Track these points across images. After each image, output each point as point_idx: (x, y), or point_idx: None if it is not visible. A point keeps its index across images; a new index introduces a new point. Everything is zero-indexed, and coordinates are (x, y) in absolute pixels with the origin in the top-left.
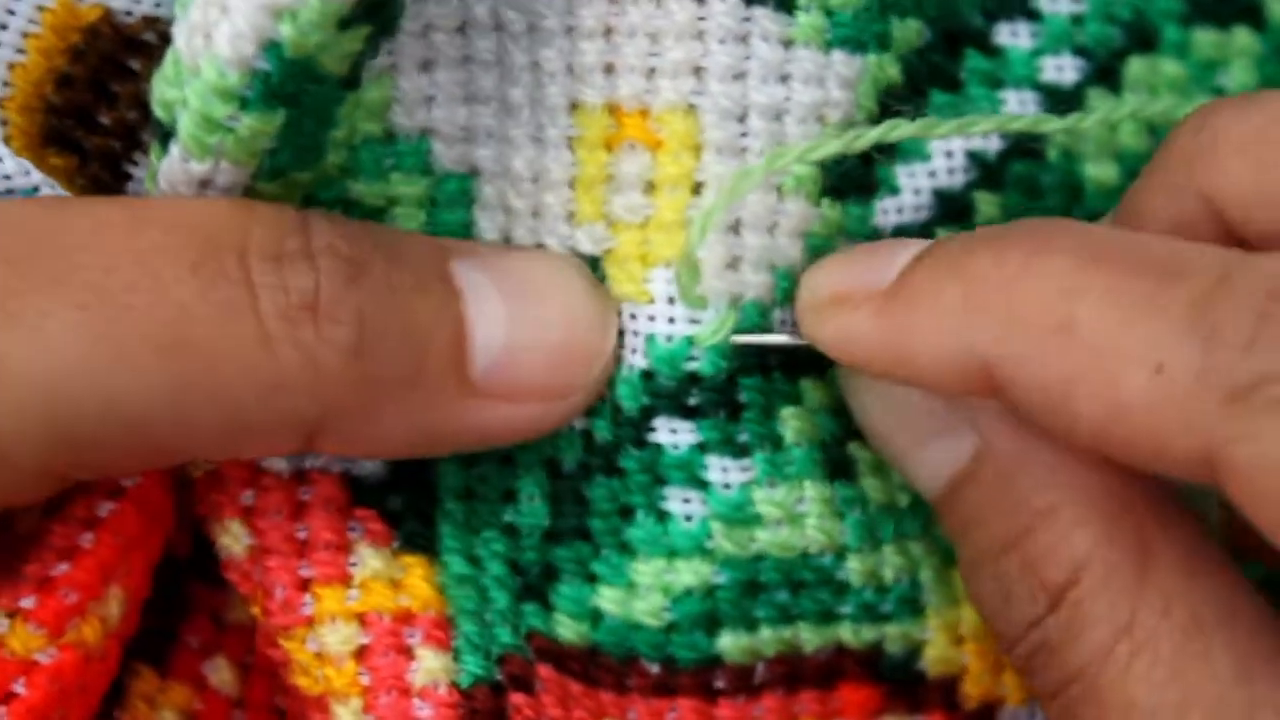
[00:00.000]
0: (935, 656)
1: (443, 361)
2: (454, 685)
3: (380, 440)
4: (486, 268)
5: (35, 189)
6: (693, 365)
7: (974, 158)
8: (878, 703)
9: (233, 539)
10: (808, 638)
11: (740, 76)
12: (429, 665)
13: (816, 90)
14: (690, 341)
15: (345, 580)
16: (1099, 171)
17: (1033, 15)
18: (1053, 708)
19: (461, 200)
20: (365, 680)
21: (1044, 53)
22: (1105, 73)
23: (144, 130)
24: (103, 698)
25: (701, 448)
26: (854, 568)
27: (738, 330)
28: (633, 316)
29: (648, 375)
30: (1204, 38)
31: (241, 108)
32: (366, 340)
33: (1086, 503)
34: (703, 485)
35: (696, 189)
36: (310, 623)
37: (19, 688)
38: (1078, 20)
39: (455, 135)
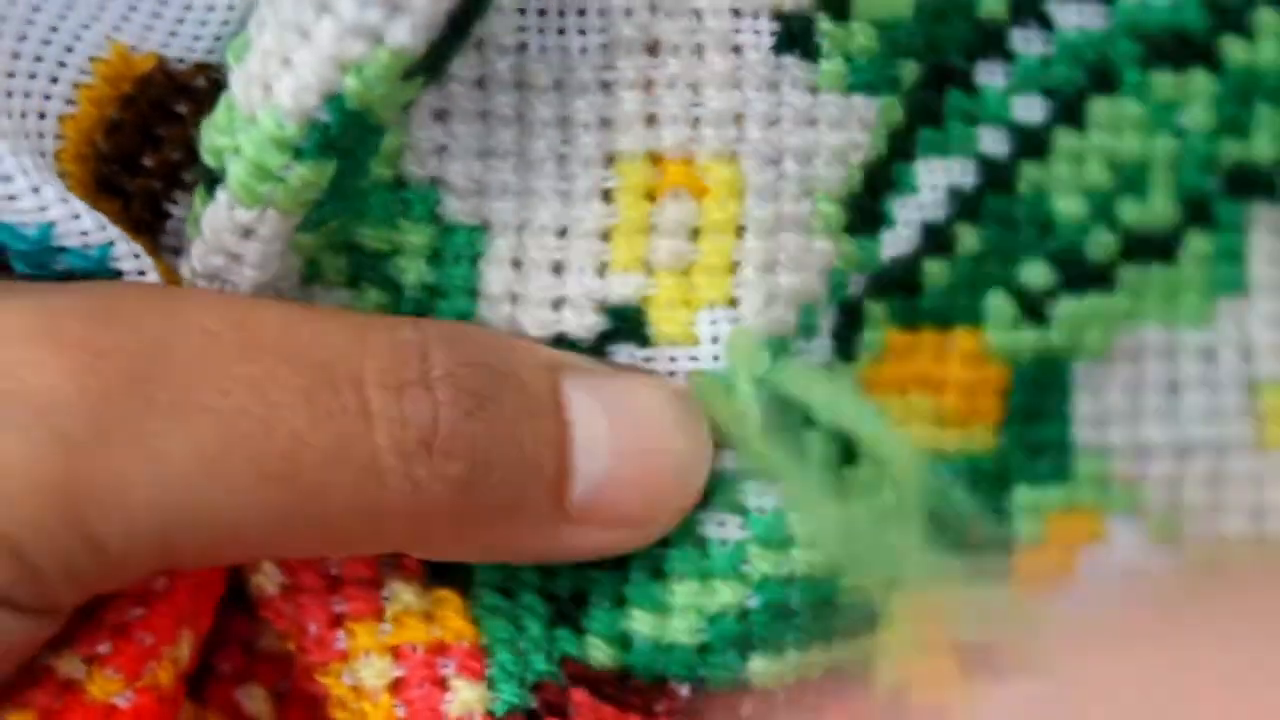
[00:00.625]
0: (884, 671)
1: (544, 492)
2: (489, 714)
3: (465, 555)
4: (596, 391)
5: (111, 244)
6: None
7: (953, 192)
8: None
9: (265, 579)
10: (817, 660)
11: (775, 122)
12: (464, 696)
13: (841, 133)
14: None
15: (378, 614)
16: (1067, 205)
17: (1008, 56)
18: None
19: (468, 254)
20: (401, 713)
21: (1015, 91)
22: (1070, 112)
23: (185, 169)
24: None
25: (738, 473)
26: (844, 585)
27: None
28: (672, 359)
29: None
30: (1162, 79)
31: (296, 158)
32: (478, 476)
33: None
34: (741, 510)
35: (739, 232)
36: (345, 658)
37: None
38: (1046, 62)
39: (468, 189)
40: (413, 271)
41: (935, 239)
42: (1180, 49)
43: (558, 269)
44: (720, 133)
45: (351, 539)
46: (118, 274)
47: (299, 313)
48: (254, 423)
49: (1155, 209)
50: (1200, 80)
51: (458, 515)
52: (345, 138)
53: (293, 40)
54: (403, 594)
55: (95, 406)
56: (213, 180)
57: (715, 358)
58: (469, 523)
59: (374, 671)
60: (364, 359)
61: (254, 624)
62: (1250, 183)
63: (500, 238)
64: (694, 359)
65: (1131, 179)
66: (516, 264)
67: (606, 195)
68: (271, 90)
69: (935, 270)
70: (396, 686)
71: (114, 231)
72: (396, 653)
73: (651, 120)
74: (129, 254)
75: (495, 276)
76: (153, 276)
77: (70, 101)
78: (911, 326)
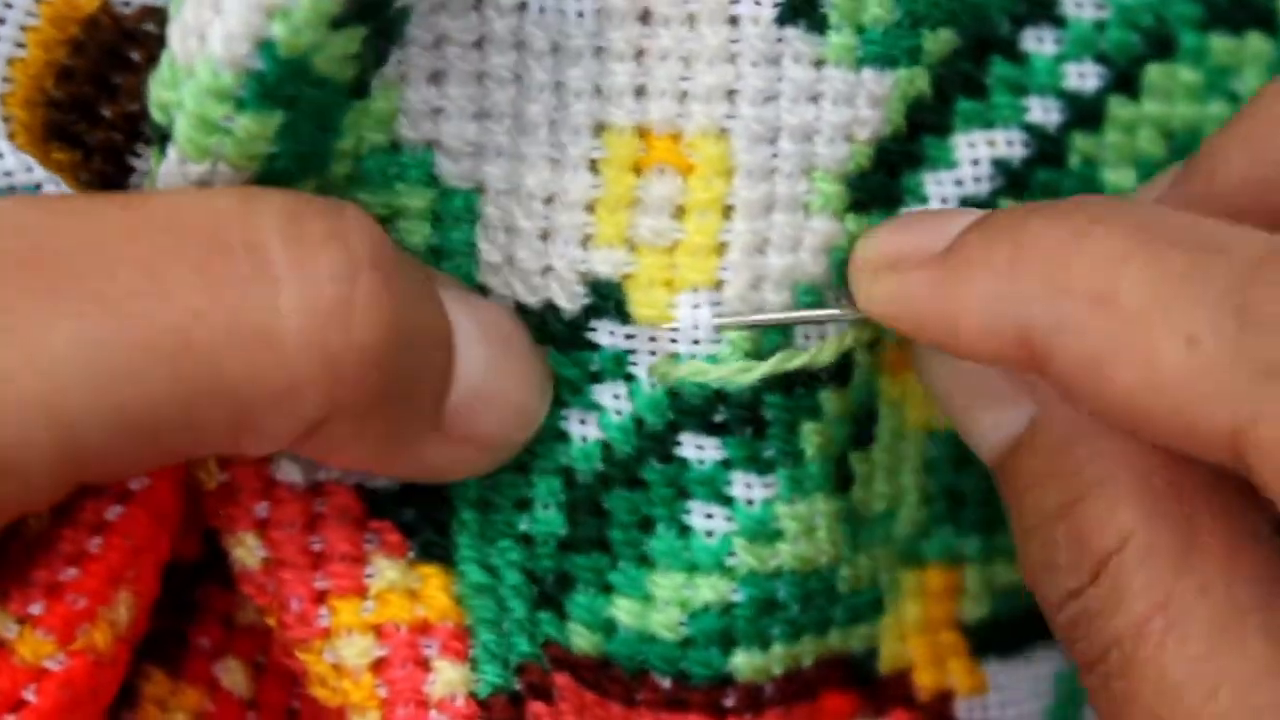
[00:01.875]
0: (886, 654)
1: (433, 386)
2: (472, 696)
3: (350, 456)
4: (467, 307)
5: (38, 186)
6: (719, 383)
7: (999, 165)
8: (853, 707)
9: (247, 552)
10: (809, 650)
11: (772, 99)
12: (446, 677)
13: (846, 109)
14: (714, 361)
15: (361, 592)
16: (1118, 178)
17: (1058, 21)
18: (1089, 679)
19: (466, 217)
20: (383, 693)
21: (1067, 59)
22: (1125, 80)
23: (146, 122)
24: (115, 702)
25: (727, 464)
26: (844, 575)
27: (762, 352)
28: (652, 339)
29: (673, 394)
30: (1220, 43)
31: (237, 109)
32: (390, 351)
33: (1136, 479)
34: (727, 501)
35: (727, 213)
36: (327, 635)
37: (29, 695)
38: (1100, 26)
39: (462, 150)
40: (418, 234)
41: None
42: (1239, 10)
43: (544, 236)
44: (709, 109)
45: (268, 418)
46: None
47: (188, 190)
48: (144, 301)
49: None
50: (1256, 43)
51: (371, 393)
52: (285, 87)
53: None
54: (387, 571)
55: None
56: (164, 137)
57: (695, 341)
58: (373, 408)
59: (356, 650)
60: (261, 216)
61: (232, 597)
62: None
63: (491, 204)
64: (674, 340)
65: (1182, 147)
66: (509, 230)
67: (593, 166)
68: (205, 39)
69: None
70: (378, 666)
71: (41, 174)
72: (379, 631)
73: (641, 92)
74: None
75: (489, 244)
76: None
77: (19, 45)
78: None
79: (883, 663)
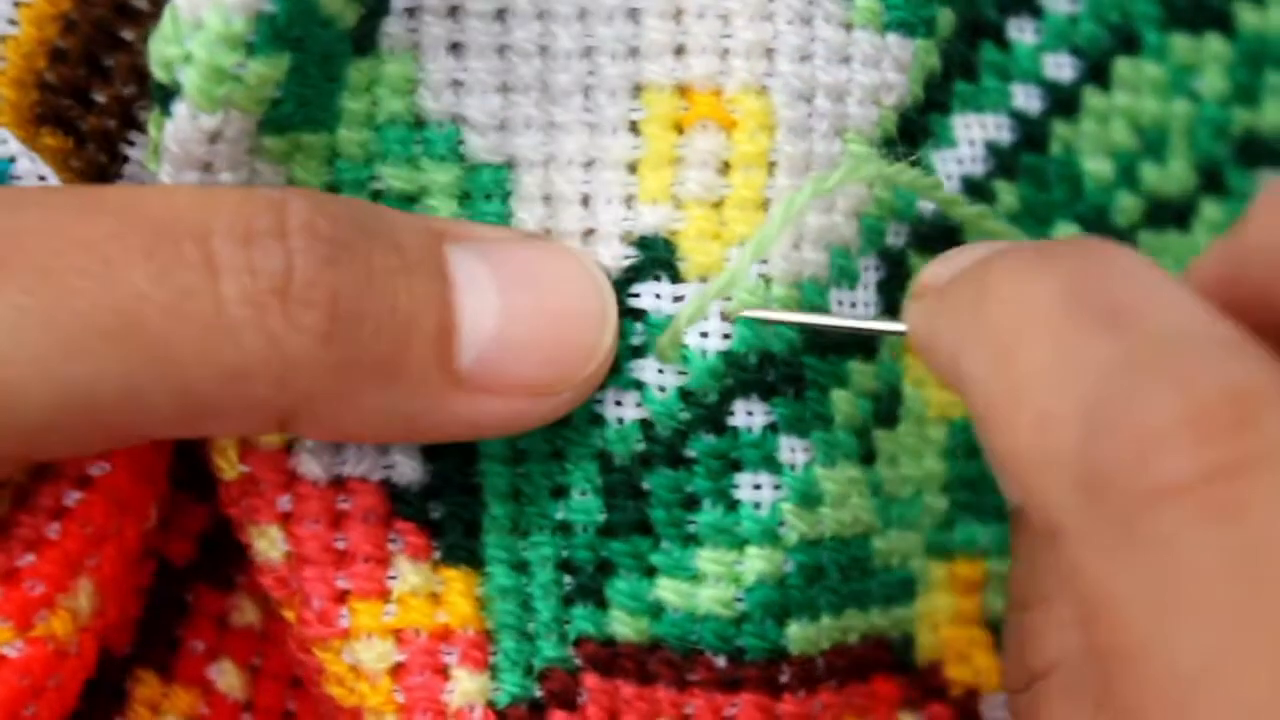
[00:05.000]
0: (921, 643)
1: (426, 351)
2: (490, 706)
3: (357, 428)
4: (484, 255)
5: (12, 159)
6: (767, 341)
7: (991, 148)
8: (899, 694)
9: (270, 544)
10: (854, 624)
11: (808, 58)
12: (465, 687)
13: (874, 72)
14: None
15: (383, 595)
16: (1095, 166)
17: (1037, 12)
18: None
19: (498, 192)
20: (400, 699)
21: (1045, 49)
22: (1097, 71)
23: (139, 107)
24: (105, 705)
25: (773, 428)
26: (877, 548)
27: (802, 305)
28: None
29: (729, 354)
30: (1180, 42)
31: (249, 54)
32: (340, 325)
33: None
34: (776, 467)
35: (771, 168)
36: (346, 636)
37: None
38: (1073, 20)
39: (489, 125)
40: (445, 211)
41: (977, 195)
42: (1197, 12)
43: (585, 201)
44: (750, 65)
45: (219, 402)
46: None
47: (148, 186)
48: (90, 280)
49: (1174, 174)
50: (1215, 44)
51: (329, 372)
52: (294, 28)
53: None
54: (409, 575)
55: None
56: (166, 98)
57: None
58: (344, 381)
59: (375, 654)
60: (211, 214)
61: (226, 599)
62: (1259, 151)
63: (527, 174)
64: (726, 298)
65: (1152, 142)
66: (547, 199)
67: (633, 126)
68: None
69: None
70: (397, 671)
71: (17, 147)
72: (399, 637)
73: (680, 51)
74: (32, 173)
75: (528, 213)
76: None
77: (12, 22)
78: None
79: (919, 652)
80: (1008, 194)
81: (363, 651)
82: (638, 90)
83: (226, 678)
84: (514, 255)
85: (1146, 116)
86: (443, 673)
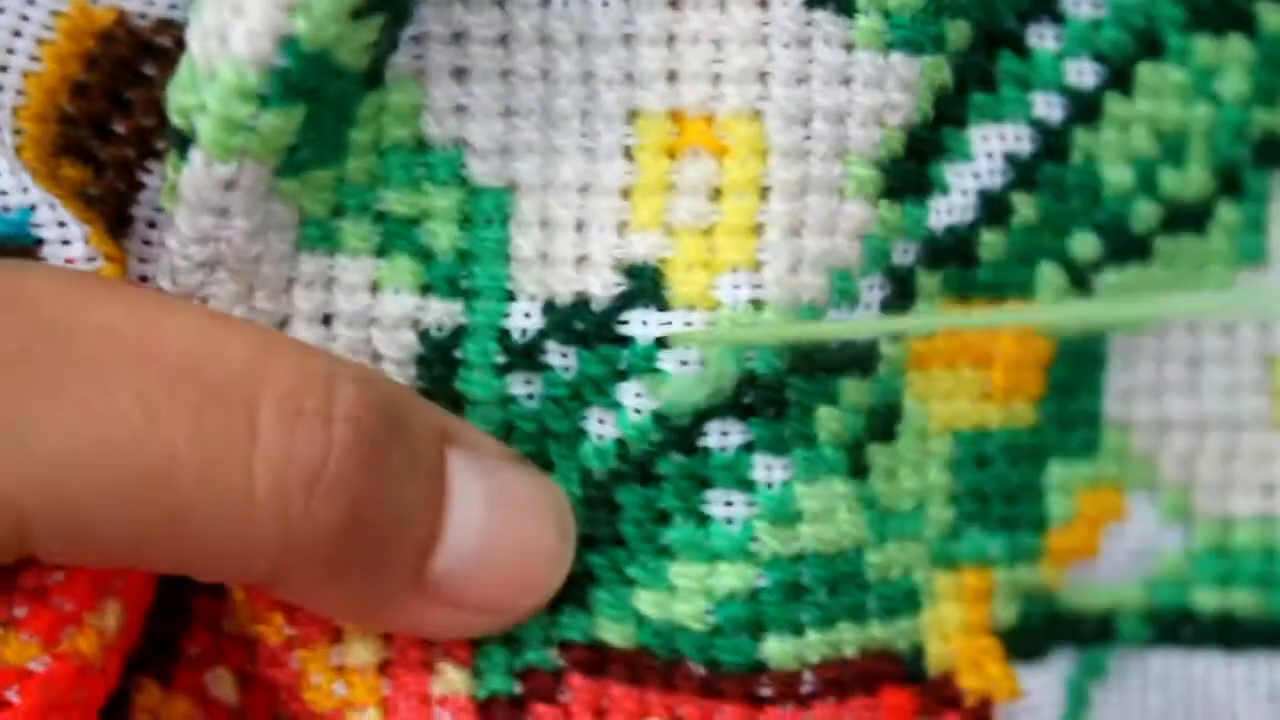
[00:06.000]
0: (932, 654)
1: (409, 555)
2: (471, 699)
3: (325, 607)
4: (481, 472)
5: (32, 208)
6: (749, 364)
7: (1010, 159)
8: (913, 706)
9: None
10: (848, 638)
11: (804, 80)
12: (448, 678)
13: (877, 93)
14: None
15: None
16: (1115, 174)
17: (1058, 18)
18: None
19: (497, 217)
20: (386, 691)
21: (1067, 56)
22: (1119, 77)
23: (158, 136)
24: (106, 712)
25: (749, 447)
26: (871, 561)
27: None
28: (688, 324)
29: (704, 381)
30: (1203, 45)
31: (262, 106)
32: (353, 524)
33: None
34: (749, 485)
35: (763, 194)
36: (339, 636)
37: (12, 695)
38: (1096, 25)
39: (491, 149)
40: (445, 236)
41: (993, 208)
42: (1220, 13)
43: (580, 227)
44: (742, 90)
45: (215, 564)
46: (38, 241)
47: (209, 323)
48: (132, 428)
49: (1192, 178)
50: (1237, 46)
51: (326, 563)
52: (308, 80)
53: None
54: None
55: None
56: (184, 142)
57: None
58: (335, 573)
59: (368, 649)
60: (265, 382)
61: (220, 605)
62: (1277, 152)
63: (525, 199)
64: (711, 324)
65: (1172, 148)
66: (544, 224)
67: (628, 153)
68: (227, 41)
69: (992, 241)
70: (385, 667)
71: (37, 195)
72: (387, 636)
73: (673, 77)
74: (52, 221)
75: (525, 238)
76: (78, 248)
77: (35, 59)
78: (966, 299)
79: (930, 664)
80: (1026, 206)
81: (355, 646)
82: (632, 116)
83: (221, 685)
84: (507, 480)
85: (1168, 121)
86: (428, 667)
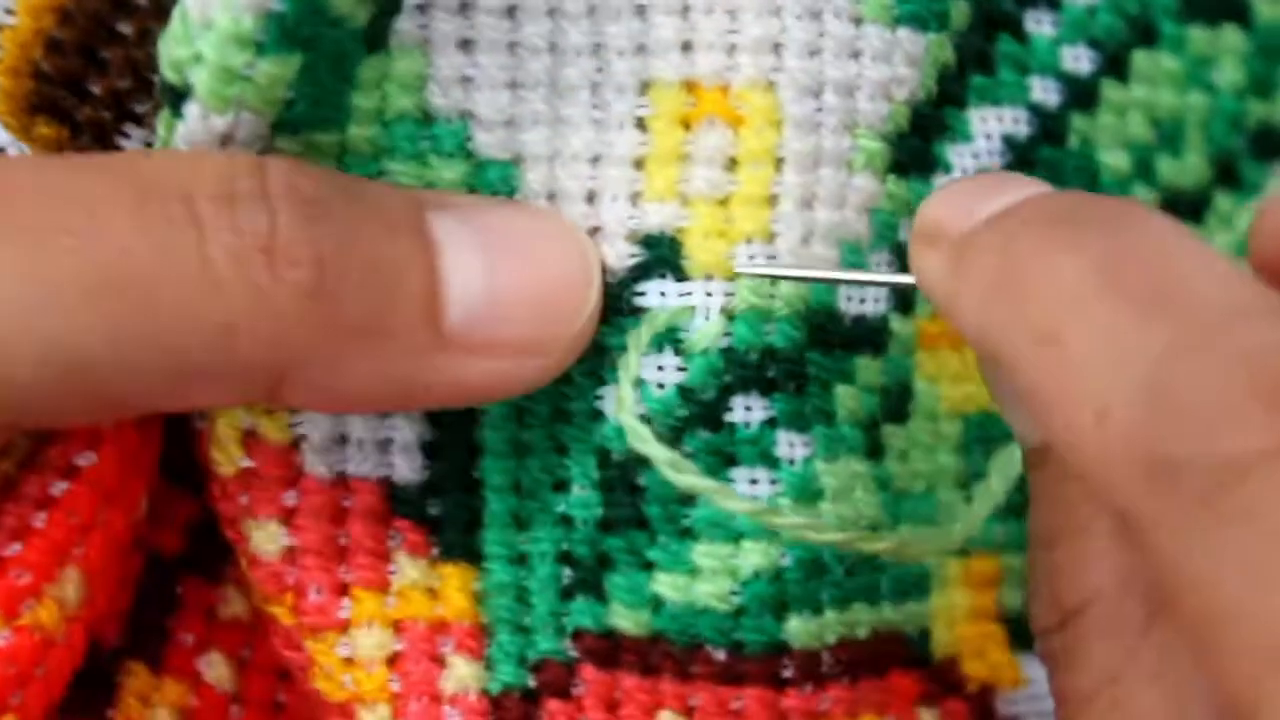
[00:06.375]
0: (938, 639)
1: (414, 311)
2: (483, 692)
3: (349, 393)
4: (465, 220)
5: (1, 149)
6: (769, 338)
7: (1008, 141)
8: (917, 689)
9: (267, 538)
10: (863, 619)
11: (816, 53)
12: (460, 673)
13: (885, 67)
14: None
15: (384, 587)
16: (1112, 159)
17: (1055, 4)
18: (1056, 713)
19: (504, 189)
20: (396, 687)
21: (1063, 41)
22: (1114, 63)
23: (134, 99)
24: (96, 697)
25: (772, 423)
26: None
27: (810, 310)
28: (709, 294)
29: (729, 352)
30: (1197, 34)
31: (258, 54)
32: (327, 283)
33: (1115, 534)
34: (773, 463)
35: (778, 165)
36: (345, 627)
37: None
38: (1091, 12)
39: (497, 121)
40: None
41: None
42: (1214, 3)
43: (591, 198)
44: (757, 60)
45: (206, 367)
46: None
47: (134, 151)
48: (75, 236)
49: (1189, 167)
50: (1231, 36)
51: (317, 331)
52: (304, 27)
53: None
54: (409, 569)
55: None
56: (177, 99)
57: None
58: (333, 341)
59: (374, 643)
60: (195, 176)
61: (215, 591)
62: (1273, 143)
63: (532, 171)
64: (729, 294)
65: (1169, 135)
66: (551, 196)
67: (640, 123)
68: None
69: None
70: (394, 660)
71: (4, 137)
72: (398, 626)
73: (687, 47)
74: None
75: None
76: None
77: (9, 11)
78: None
79: (935, 648)
80: None
81: (362, 639)
82: (645, 87)
83: (215, 670)
84: (495, 218)
85: (1163, 109)
86: (439, 661)
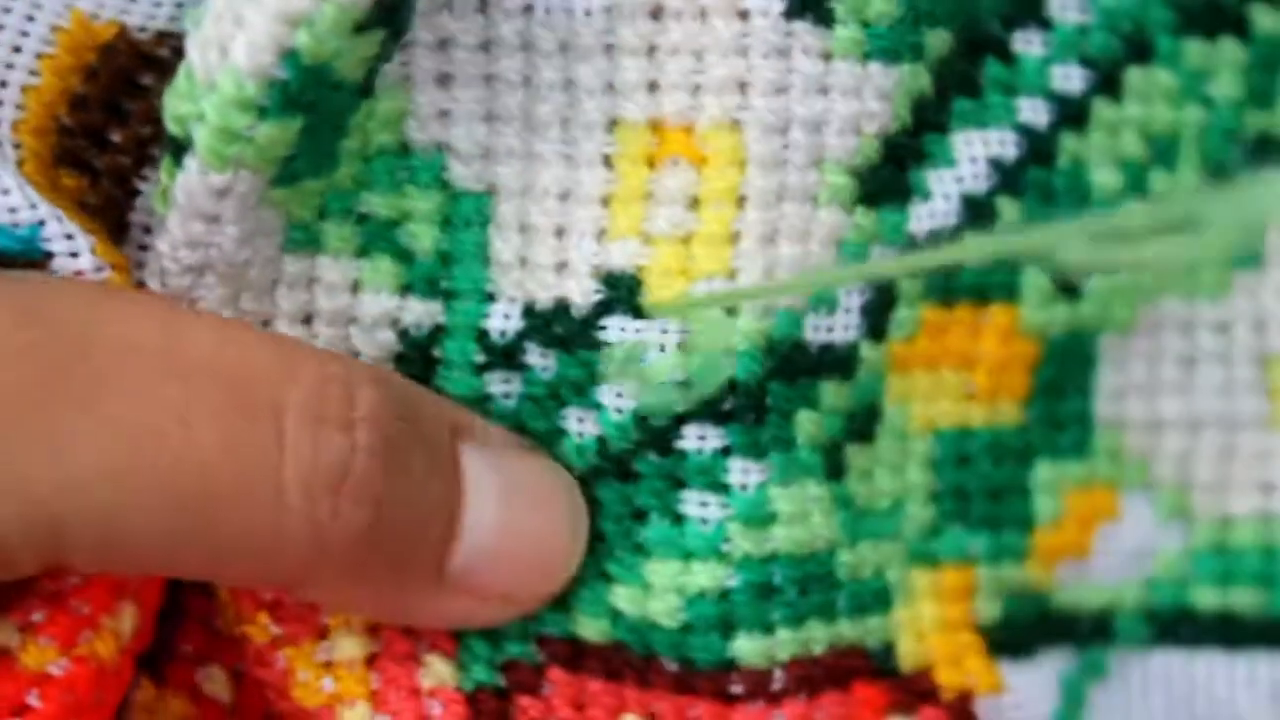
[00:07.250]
0: (905, 651)
1: (430, 557)
2: (459, 690)
3: (342, 606)
4: (494, 466)
5: (41, 223)
6: (728, 371)
7: (995, 164)
8: (886, 699)
9: None
10: (817, 636)
11: (783, 90)
12: (436, 669)
13: (854, 102)
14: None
15: None
16: (1104, 177)
17: (1045, 24)
18: None
19: (477, 220)
20: (375, 684)
21: (1053, 61)
22: (1108, 82)
23: (154, 144)
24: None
25: (726, 451)
26: (843, 561)
27: (774, 342)
28: (664, 331)
29: (684, 384)
30: (1194, 48)
31: (260, 117)
32: (380, 526)
33: None
34: (723, 488)
35: (740, 203)
36: (325, 632)
37: (33, 700)
38: (1083, 30)
39: (473, 153)
40: (426, 238)
41: (976, 212)
42: (1212, 16)
43: (559, 233)
44: (722, 100)
45: (245, 571)
46: (47, 255)
47: (229, 331)
48: (165, 442)
49: (1183, 181)
50: (1230, 49)
51: (352, 565)
52: (307, 93)
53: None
54: None
55: (5, 400)
56: (179, 149)
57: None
58: (360, 576)
59: (354, 643)
60: (288, 388)
61: (211, 603)
62: (1271, 153)
63: (506, 203)
64: (685, 332)
65: (1162, 150)
66: (523, 229)
67: (607, 161)
68: (228, 52)
69: None
70: (373, 660)
71: (46, 210)
72: (374, 630)
73: (653, 87)
74: (60, 234)
75: (504, 242)
76: (86, 259)
77: (34, 73)
78: (948, 303)
79: (903, 660)
80: (1011, 210)
81: (342, 641)
82: (613, 125)
83: (214, 682)
84: (521, 471)
85: (1158, 125)
86: (415, 659)
